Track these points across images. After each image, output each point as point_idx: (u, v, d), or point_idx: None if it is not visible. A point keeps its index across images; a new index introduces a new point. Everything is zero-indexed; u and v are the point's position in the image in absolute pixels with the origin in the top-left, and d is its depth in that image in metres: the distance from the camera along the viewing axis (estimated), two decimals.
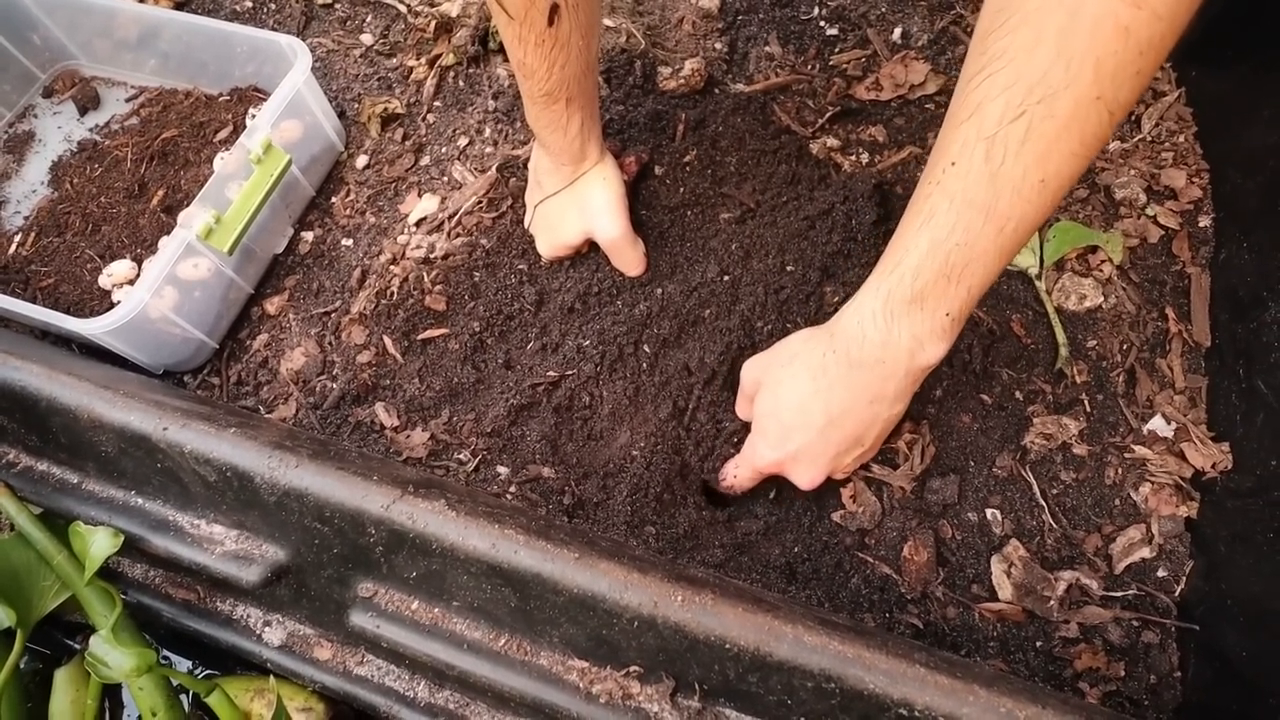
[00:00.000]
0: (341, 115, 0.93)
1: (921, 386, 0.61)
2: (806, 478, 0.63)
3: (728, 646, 0.46)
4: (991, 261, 0.49)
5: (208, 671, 0.68)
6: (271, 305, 0.83)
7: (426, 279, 0.79)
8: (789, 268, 0.77)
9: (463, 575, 0.51)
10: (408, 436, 0.71)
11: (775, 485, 0.72)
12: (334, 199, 0.89)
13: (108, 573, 0.63)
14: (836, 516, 0.69)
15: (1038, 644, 0.67)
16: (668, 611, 0.47)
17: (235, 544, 0.57)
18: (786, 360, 0.61)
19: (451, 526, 0.50)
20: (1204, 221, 0.81)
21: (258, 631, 0.61)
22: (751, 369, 0.66)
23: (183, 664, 0.70)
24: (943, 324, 0.52)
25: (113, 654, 0.56)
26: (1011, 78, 0.42)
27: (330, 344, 0.79)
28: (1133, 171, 0.84)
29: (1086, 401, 0.75)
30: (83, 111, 0.97)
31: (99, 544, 0.57)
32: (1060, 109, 0.42)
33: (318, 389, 0.76)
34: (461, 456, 0.70)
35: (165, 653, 0.70)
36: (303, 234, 0.87)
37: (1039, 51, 0.41)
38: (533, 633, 0.52)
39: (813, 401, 0.59)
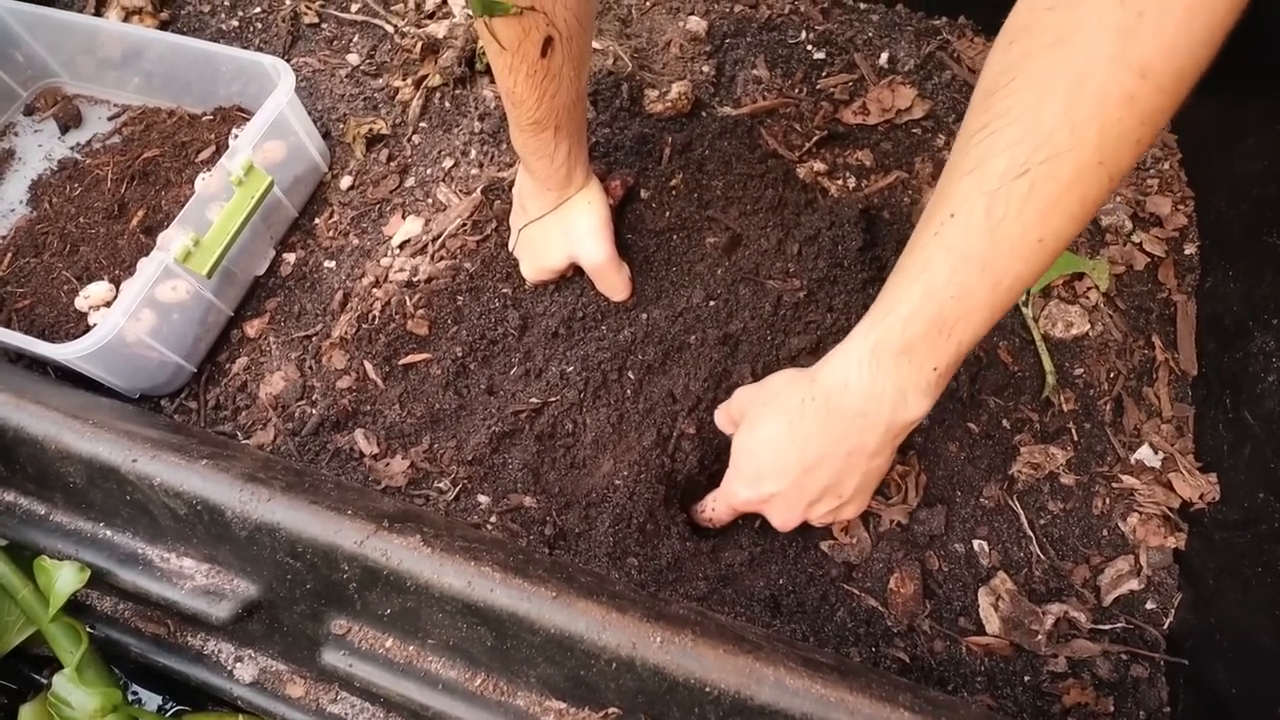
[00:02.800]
0: (326, 135, 0.93)
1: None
2: (780, 519, 0.63)
3: (708, 690, 0.45)
4: (982, 317, 0.48)
5: (178, 708, 0.66)
6: (252, 328, 0.82)
7: (409, 302, 0.78)
8: (775, 294, 0.76)
9: (438, 613, 0.50)
10: (387, 465, 0.70)
11: (759, 515, 0.71)
12: (317, 220, 0.88)
13: (76, 605, 0.61)
14: (825, 547, 0.68)
15: (1025, 678, 0.66)
16: (646, 653, 0.46)
17: (206, 578, 0.56)
18: (768, 399, 0.60)
19: (427, 563, 0.49)
20: (1189, 249, 0.81)
21: (229, 667, 0.59)
22: (740, 398, 0.66)
23: (153, 699, 0.68)
24: (929, 378, 0.51)
25: (76, 694, 0.55)
26: (1016, 135, 0.42)
27: (311, 368, 0.78)
28: (1118, 198, 0.84)
29: (1074, 430, 0.74)
30: (64, 130, 0.96)
31: (64, 579, 0.55)
32: (1063, 171, 0.42)
33: (297, 414, 0.75)
34: (442, 485, 0.69)
35: (135, 688, 0.68)
36: (285, 255, 0.86)
37: (1045, 112, 0.41)
38: (509, 672, 0.51)
39: (788, 446, 0.58)
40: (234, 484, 0.52)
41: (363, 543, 0.49)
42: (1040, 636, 0.66)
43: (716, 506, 0.67)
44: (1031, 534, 0.71)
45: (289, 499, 0.51)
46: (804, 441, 0.57)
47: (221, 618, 0.54)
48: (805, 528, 0.69)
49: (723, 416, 0.69)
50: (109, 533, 0.59)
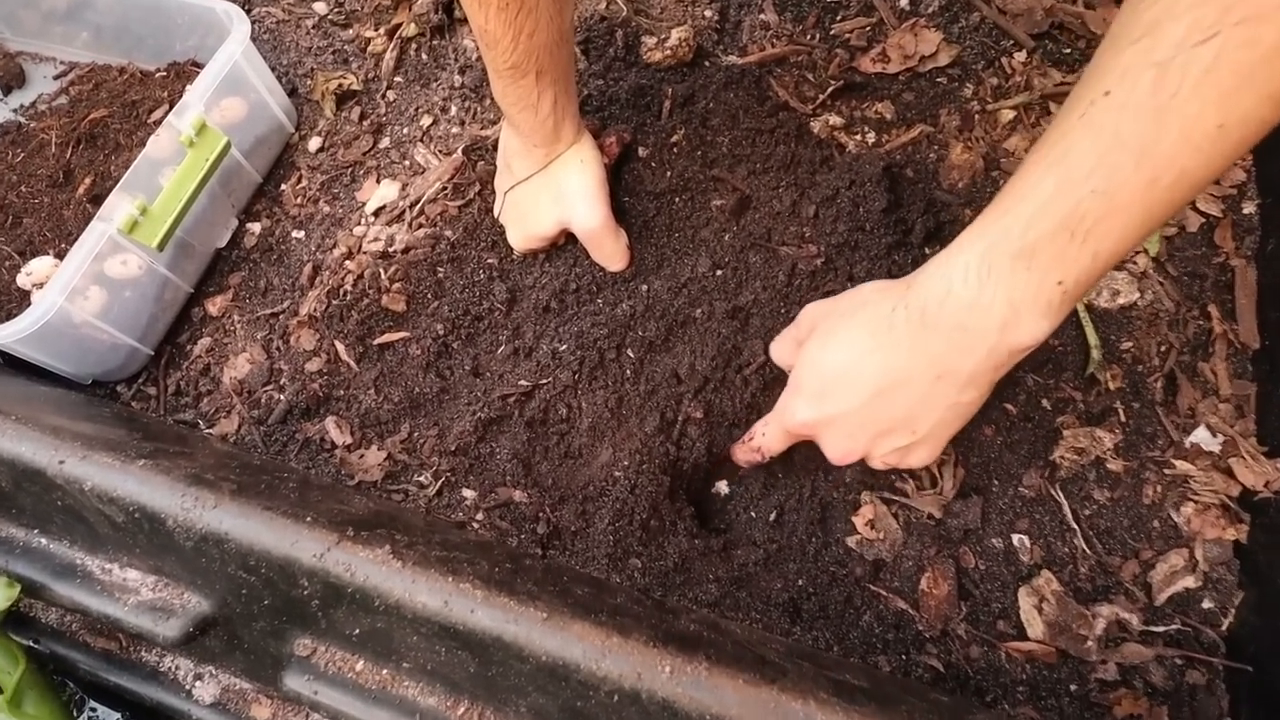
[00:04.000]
0: (292, 93, 0.84)
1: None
2: (839, 450, 0.54)
3: None
4: (1132, 224, 0.39)
5: None
6: (214, 305, 0.74)
7: (384, 276, 0.70)
8: (789, 261, 0.68)
9: (412, 635, 0.43)
10: (361, 456, 0.63)
11: (776, 507, 0.64)
12: (283, 186, 0.80)
13: (17, 618, 0.55)
14: (851, 542, 0.62)
15: (1072, 687, 0.59)
16: (654, 684, 0.39)
17: (152, 592, 0.49)
18: (850, 309, 0.52)
19: (397, 580, 0.42)
20: (1248, 208, 0.73)
21: (187, 686, 0.53)
22: (811, 311, 0.58)
23: (111, 715, 0.62)
24: (1050, 295, 0.42)
25: None
26: None
27: (278, 349, 0.71)
28: None
29: (1121, 411, 0.67)
30: (6, 90, 0.88)
31: None
32: (1266, 36, 0.33)
33: (263, 401, 0.68)
34: (422, 479, 0.62)
35: (93, 705, 0.62)
36: (249, 225, 0.78)
37: None
38: (496, 701, 0.44)
39: (865, 361, 0.50)
40: (175, 488, 0.45)
41: (323, 556, 0.43)
42: (1090, 643, 0.59)
43: (768, 431, 0.59)
44: (1076, 526, 0.64)
45: (239, 505, 0.44)
46: (887, 356, 0.48)
47: (170, 637, 0.48)
48: (824, 518, 0.63)
49: (786, 343, 0.60)
50: (44, 541, 0.52)
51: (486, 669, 0.42)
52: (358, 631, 0.45)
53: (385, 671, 0.46)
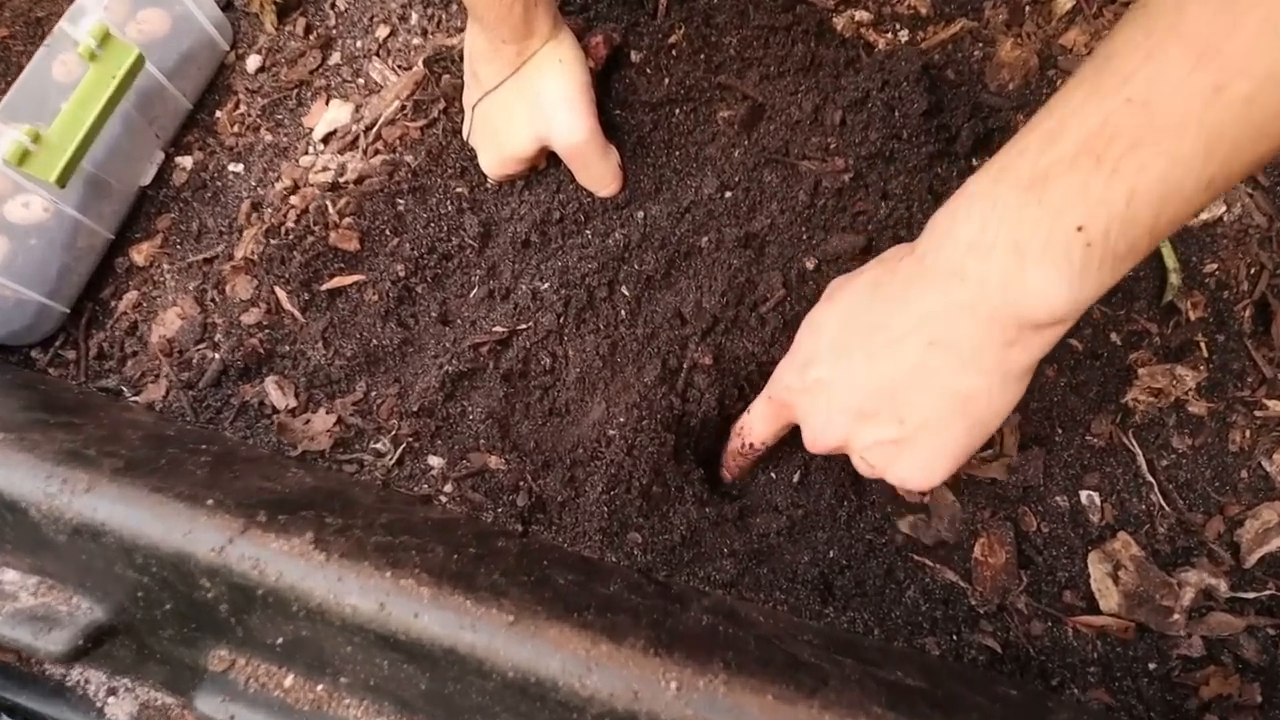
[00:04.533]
0: (227, 6, 0.73)
1: None
2: (814, 431, 0.43)
3: None
4: (1184, 156, 0.28)
5: None
6: (140, 253, 0.64)
7: (332, 210, 0.60)
8: (812, 178, 0.57)
9: (345, 645, 0.34)
10: (307, 422, 0.53)
11: (800, 466, 0.54)
12: (218, 113, 0.69)
13: None
14: (905, 526, 0.52)
15: (1150, 666, 0.51)
16: (656, 704, 0.30)
17: (34, 597, 0.40)
18: (868, 265, 0.42)
19: (319, 576, 0.32)
20: None
21: (99, 703, 0.44)
22: (832, 283, 0.47)
23: None
24: (1067, 244, 0.31)
25: None
26: None
27: (213, 302, 0.60)
28: None
29: (1204, 345, 0.57)
30: None
31: None
32: None
33: (194, 361, 0.58)
34: (379, 446, 0.53)
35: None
36: (178, 159, 0.67)
37: None
38: None
39: (860, 317, 0.40)
40: (39, 468, 0.35)
41: (224, 549, 0.33)
42: (1177, 615, 0.50)
43: (753, 410, 0.49)
44: (1152, 479, 0.55)
45: (118, 488, 0.34)
46: (881, 310, 0.39)
47: (55, 651, 0.38)
48: (857, 477, 0.53)
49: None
50: None
51: (440, 686, 0.33)
52: (281, 641, 0.36)
53: (320, 688, 0.37)
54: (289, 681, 0.37)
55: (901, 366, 0.38)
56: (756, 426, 0.49)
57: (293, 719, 0.36)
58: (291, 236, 0.59)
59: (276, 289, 0.58)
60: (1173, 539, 0.54)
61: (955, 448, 0.39)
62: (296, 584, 0.33)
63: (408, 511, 0.43)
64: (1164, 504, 0.54)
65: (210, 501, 0.35)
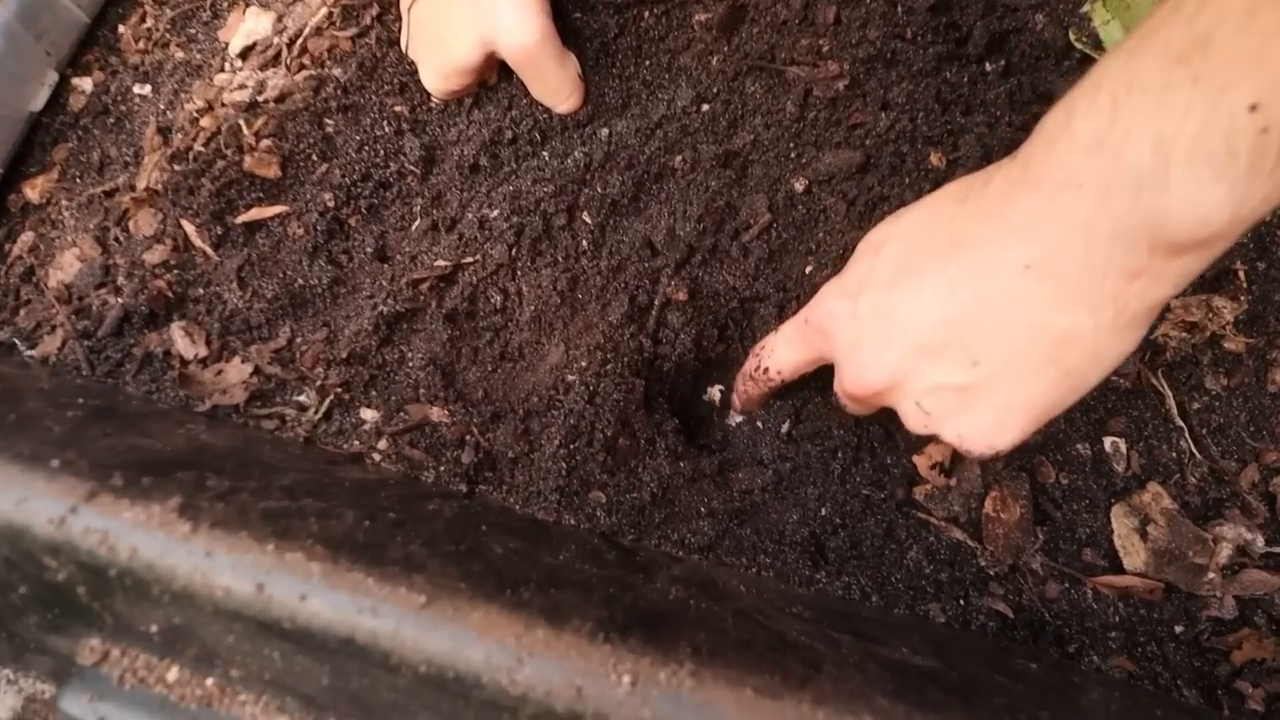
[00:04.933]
0: None
1: None
2: (856, 363, 0.35)
3: None
4: None
5: None
6: (34, 189, 0.56)
7: (247, 131, 0.52)
8: (801, 86, 0.50)
9: (226, 634, 0.27)
10: (219, 373, 0.46)
11: (790, 415, 0.48)
12: (121, 28, 0.60)
13: None
14: (889, 457, 0.46)
15: (1177, 630, 0.45)
16: (605, 704, 0.24)
17: None
18: (953, 182, 0.35)
19: (183, 552, 0.26)
20: None
21: None
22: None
23: None
24: (1229, 126, 0.24)
25: None
26: None
27: (116, 241, 0.53)
28: None
29: (1243, 273, 0.51)
30: None
31: None
32: None
33: (94, 308, 0.50)
34: (303, 398, 0.46)
35: None
36: (75, 81, 0.59)
37: None
38: None
39: (933, 233, 0.33)
40: None
41: (65, 520, 0.26)
42: (1211, 574, 0.45)
43: (780, 331, 0.42)
44: (1183, 424, 0.49)
45: None
46: (965, 225, 0.31)
47: None
48: (858, 421, 0.47)
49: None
50: None
51: (345, 681, 0.27)
52: (157, 629, 0.29)
53: (210, 682, 0.30)
54: (172, 675, 0.31)
55: (983, 293, 0.30)
56: (781, 352, 0.42)
57: (176, 718, 0.30)
58: (200, 161, 0.51)
59: (184, 222, 0.50)
60: (1203, 490, 0.48)
61: (1038, 402, 0.32)
62: (155, 562, 0.26)
63: (323, 472, 0.36)
64: (1195, 451, 0.48)
65: (56, 463, 0.28)
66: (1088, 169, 0.27)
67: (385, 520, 0.30)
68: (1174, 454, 0.48)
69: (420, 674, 0.25)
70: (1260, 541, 0.47)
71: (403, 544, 0.28)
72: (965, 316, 0.31)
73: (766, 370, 0.43)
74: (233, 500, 0.28)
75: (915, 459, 0.46)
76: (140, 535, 0.26)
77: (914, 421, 0.35)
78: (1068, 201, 0.28)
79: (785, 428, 0.47)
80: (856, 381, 0.36)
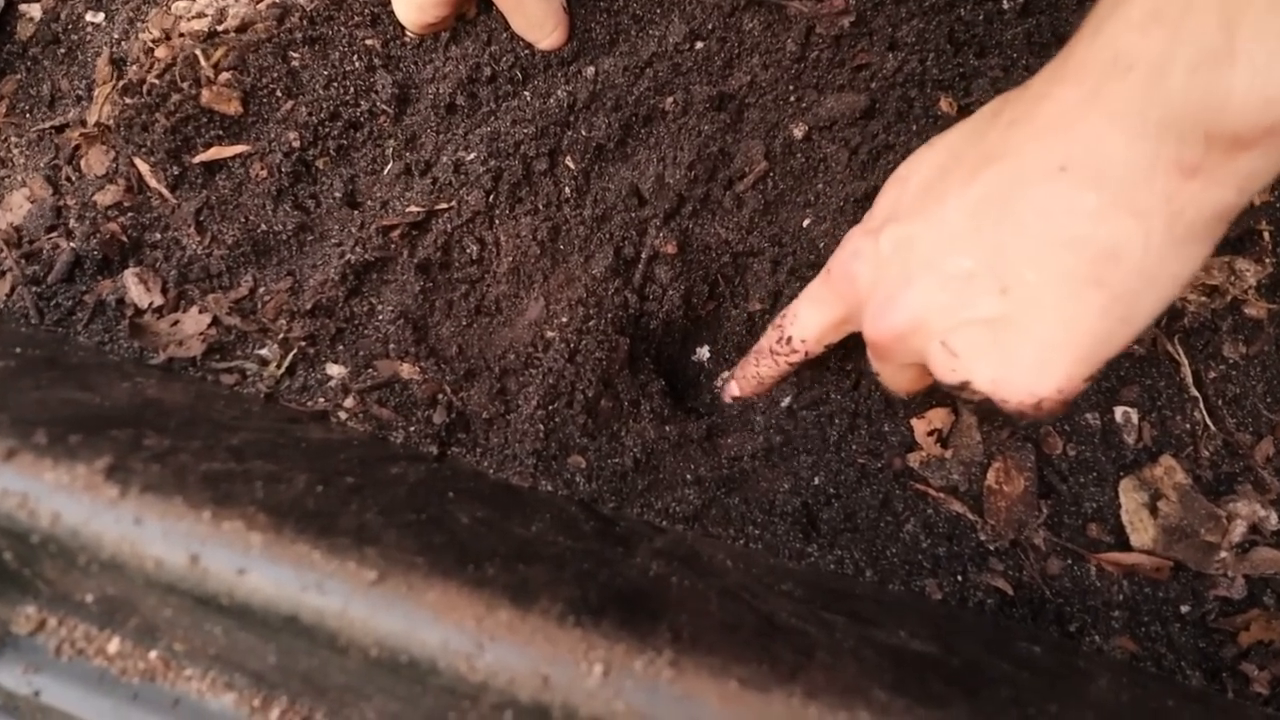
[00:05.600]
0: None
1: None
2: (878, 300, 0.32)
3: None
4: None
5: None
6: None
7: (205, 62, 0.48)
8: (803, 24, 0.46)
9: (164, 607, 0.25)
10: (175, 323, 0.43)
11: (792, 388, 0.45)
12: None
13: None
14: (887, 425, 0.43)
15: (1183, 610, 0.44)
16: (575, 695, 0.21)
17: None
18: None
19: (109, 518, 0.23)
20: None
21: None
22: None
23: None
24: None
25: None
26: None
27: (68, 180, 0.49)
28: None
29: (1268, 233, 0.48)
30: None
31: None
32: None
33: (44, 253, 0.47)
34: (265, 352, 0.43)
35: None
36: (22, 7, 0.55)
37: None
38: (325, 703, 0.27)
39: (963, 153, 0.30)
40: None
41: None
42: (1224, 554, 0.43)
43: (806, 293, 0.38)
44: (1198, 393, 0.46)
45: None
46: (996, 139, 0.28)
47: None
48: (855, 389, 0.44)
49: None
50: None
51: (293, 660, 0.24)
52: (93, 599, 0.27)
53: (154, 655, 0.28)
54: (113, 647, 0.29)
55: (1013, 207, 0.27)
56: (805, 315, 0.37)
57: (117, 692, 0.28)
58: (154, 95, 0.47)
59: (137, 160, 0.46)
60: (1216, 464, 0.46)
61: (1083, 333, 0.27)
62: (79, 529, 0.23)
63: (280, 431, 0.34)
64: (1209, 423, 0.46)
65: None
66: (1140, 48, 0.23)
67: (341, 485, 0.27)
68: (1188, 425, 0.46)
69: (371, 657, 0.22)
70: (1274, 519, 0.45)
71: (357, 512, 0.25)
72: (993, 237, 0.27)
73: (789, 341, 0.38)
74: (170, 461, 0.25)
75: (913, 422, 0.44)
76: (63, 499, 0.23)
77: (942, 367, 0.30)
78: (1111, 88, 0.24)
79: (786, 402, 0.45)
80: (877, 325, 0.32)
